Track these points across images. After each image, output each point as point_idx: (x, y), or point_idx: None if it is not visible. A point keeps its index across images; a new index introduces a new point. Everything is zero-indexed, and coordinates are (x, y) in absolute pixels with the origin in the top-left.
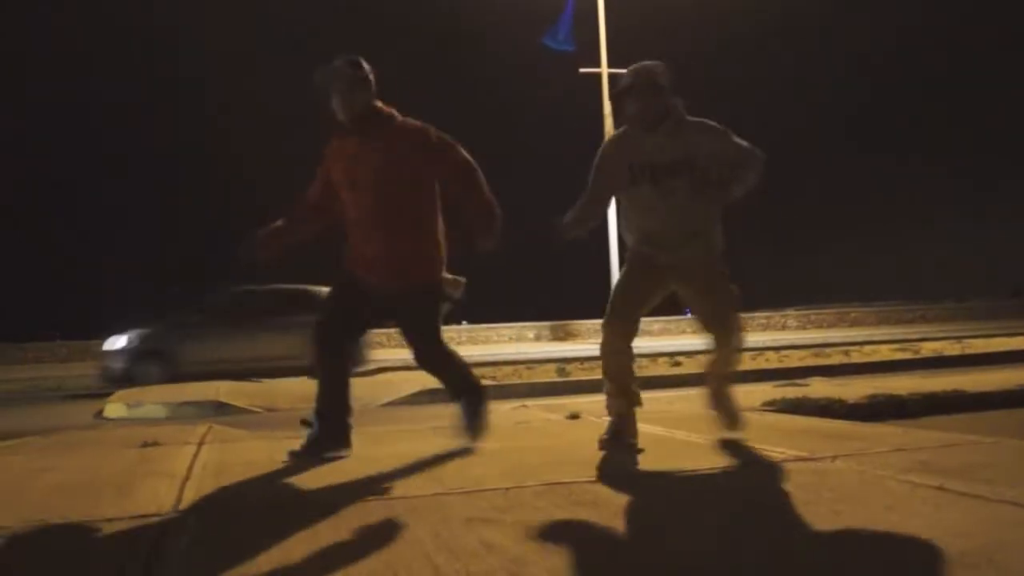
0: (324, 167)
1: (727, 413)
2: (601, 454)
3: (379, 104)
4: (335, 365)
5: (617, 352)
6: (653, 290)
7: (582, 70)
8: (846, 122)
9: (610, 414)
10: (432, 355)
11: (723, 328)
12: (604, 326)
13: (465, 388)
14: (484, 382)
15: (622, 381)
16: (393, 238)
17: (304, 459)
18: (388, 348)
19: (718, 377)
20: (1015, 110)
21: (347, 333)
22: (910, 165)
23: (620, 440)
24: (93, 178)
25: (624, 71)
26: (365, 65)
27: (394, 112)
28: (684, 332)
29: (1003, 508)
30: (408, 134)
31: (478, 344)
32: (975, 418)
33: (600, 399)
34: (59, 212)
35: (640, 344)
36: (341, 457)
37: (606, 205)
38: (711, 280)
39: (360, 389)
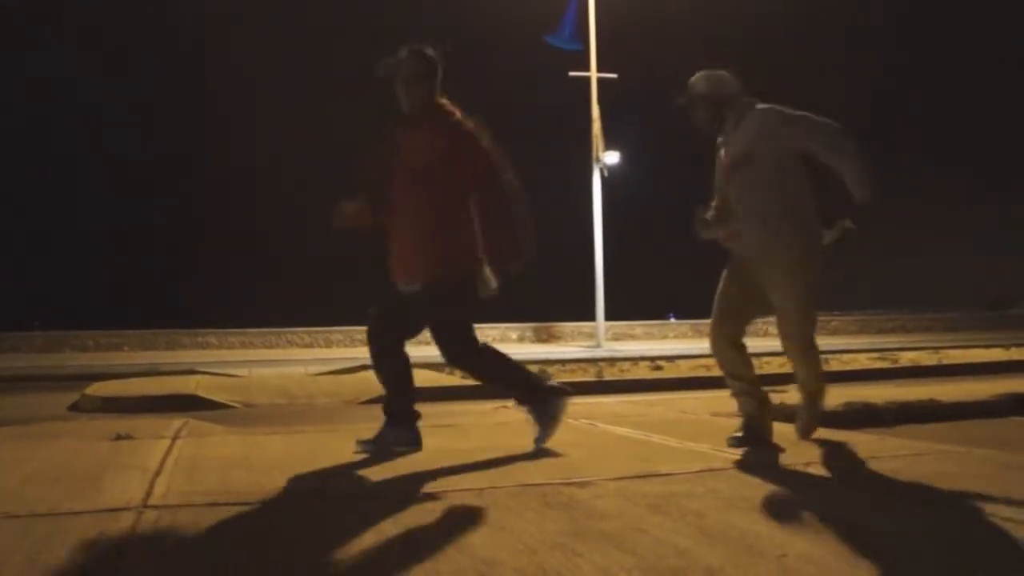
0: (386, 148)
1: (802, 422)
2: (577, 458)
3: (440, 100)
4: (391, 364)
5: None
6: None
7: (571, 74)
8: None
9: (741, 414)
10: (457, 355)
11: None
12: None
13: (525, 391)
14: (466, 382)
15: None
16: (420, 235)
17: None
18: None
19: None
20: (1008, 122)
21: (396, 333)
22: (894, 175)
23: (752, 440)
24: (77, 164)
25: (613, 75)
26: (430, 57)
27: (454, 110)
28: (666, 337)
29: (971, 517)
30: (459, 134)
31: None
32: (948, 428)
33: (580, 402)
34: (39, 201)
35: (623, 348)
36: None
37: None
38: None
39: (342, 386)
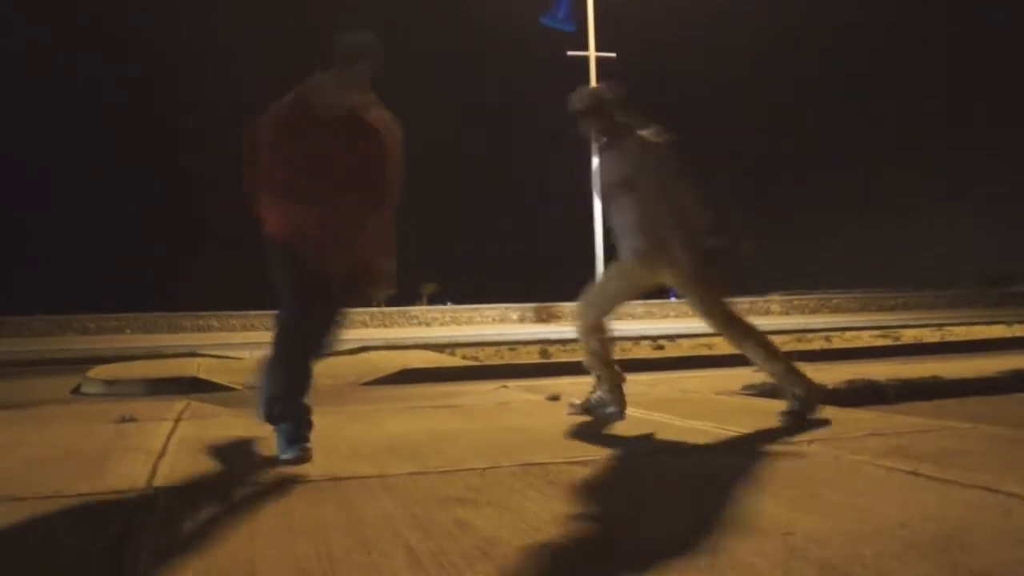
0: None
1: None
2: (579, 437)
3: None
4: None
5: None
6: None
7: (570, 53)
8: (833, 108)
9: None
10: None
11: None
12: None
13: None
14: (467, 362)
15: None
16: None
17: None
18: (371, 328)
19: None
20: (1003, 103)
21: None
22: (895, 154)
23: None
24: (76, 152)
25: (612, 55)
26: None
27: None
28: (667, 316)
29: (975, 493)
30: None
31: (462, 325)
32: (952, 404)
33: (582, 381)
34: (40, 188)
35: (624, 327)
36: None
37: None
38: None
39: (343, 368)
